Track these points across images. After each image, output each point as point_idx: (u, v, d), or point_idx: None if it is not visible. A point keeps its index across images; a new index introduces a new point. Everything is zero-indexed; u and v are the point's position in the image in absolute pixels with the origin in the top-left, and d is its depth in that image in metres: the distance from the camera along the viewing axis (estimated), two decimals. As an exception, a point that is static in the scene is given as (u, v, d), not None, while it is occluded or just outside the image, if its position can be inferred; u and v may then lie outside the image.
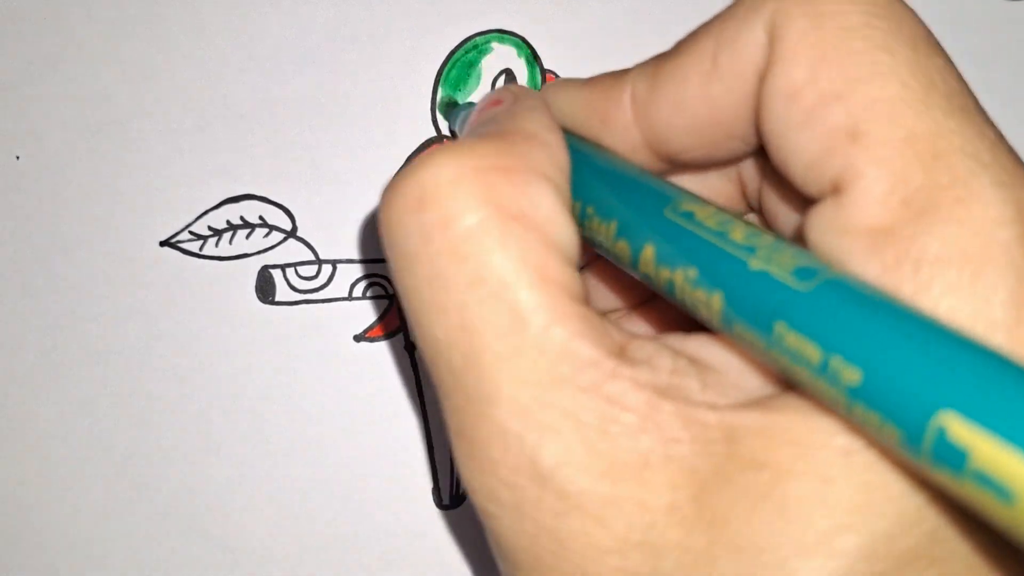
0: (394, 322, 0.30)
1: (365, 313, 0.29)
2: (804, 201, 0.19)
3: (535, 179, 0.19)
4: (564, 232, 0.19)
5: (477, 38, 0.29)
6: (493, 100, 0.23)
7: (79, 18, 0.28)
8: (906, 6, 0.19)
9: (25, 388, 0.29)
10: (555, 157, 0.20)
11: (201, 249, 0.29)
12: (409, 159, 0.29)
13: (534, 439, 0.17)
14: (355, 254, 0.29)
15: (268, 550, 0.29)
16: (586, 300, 0.19)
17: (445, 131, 0.29)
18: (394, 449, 0.29)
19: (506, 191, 0.18)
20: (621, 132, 0.21)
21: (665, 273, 0.19)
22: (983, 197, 0.16)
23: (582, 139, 0.22)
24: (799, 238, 0.19)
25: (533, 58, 0.29)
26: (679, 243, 0.19)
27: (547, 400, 0.17)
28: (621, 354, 0.18)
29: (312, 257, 0.29)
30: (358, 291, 0.29)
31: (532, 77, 0.29)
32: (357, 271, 0.29)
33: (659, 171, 0.22)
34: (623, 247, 0.20)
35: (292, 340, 0.29)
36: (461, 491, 0.29)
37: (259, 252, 0.29)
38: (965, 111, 0.17)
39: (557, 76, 0.29)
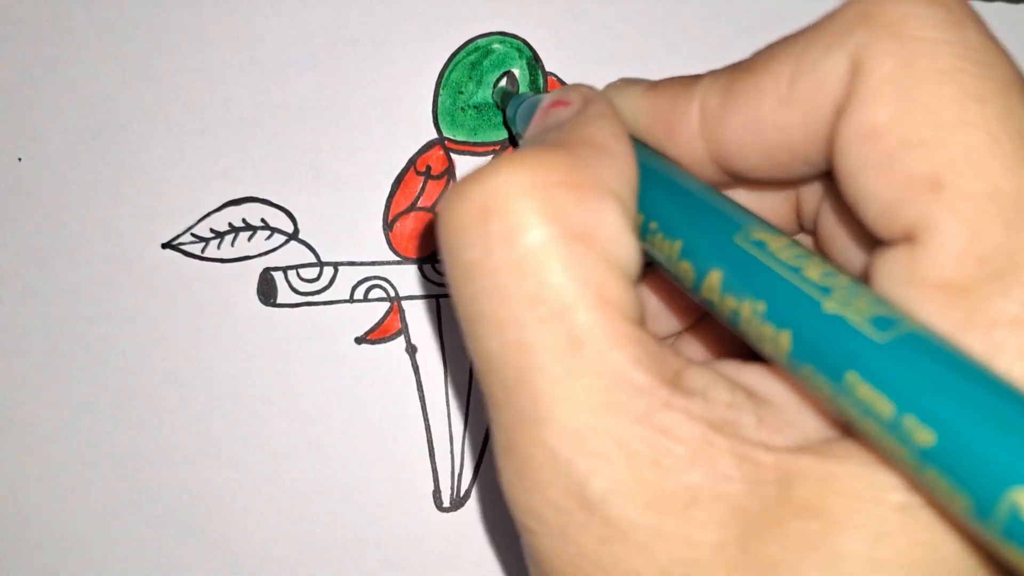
0: (395, 324, 0.30)
1: (366, 315, 0.29)
2: (870, 238, 0.18)
3: (602, 196, 0.18)
4: (627, 251, 0.18)
5: (479, 40, 0.29)
6: (560, 100, 0.22)
7: (81, 21, 0.28)
8: (1001, 50, 0.18)
9: (26, 390, 0.29)
10: (623, 170, 0.19)
11: (203, 251, 0.29)
12: (411, 161, 0.29)
13: (584, 465, 0.17)
14: (357, 256, 0.29)
15: (268, 552, 0.29)
16: (643, 321, 0.19)
17: (447, 133, 0.29)
18: (395, 452, 0.29)
19: (573, 209, 0.18)
20: (685, 143, 0.21)
21: (731, 302, 0.19)
22: None
23: (648, 147, 0.22)
24: (862, 276, 0.18)
25: (534, 60, 0.29)
26: (749, 273, 0.18)
27: (599, 427, 0.17)
28: (676, 382, 0.18)
29: (314, 259, 0.29)
30: (359, 293, 0.29)
31: (533, 80, 0.29)
32: (359, 273, 0.29)
33: (718, 183, 0.22)
34: (686, 268, 0.20)
35: (293, 342, 0.29)
36: (461, 494, 0.29)
37: (261, 254, 0.29)
38: None
39: (558, 79, 0.29)
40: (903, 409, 0.15)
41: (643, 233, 0.21)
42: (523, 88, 0.29)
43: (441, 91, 0.29)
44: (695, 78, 0.21)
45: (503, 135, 0.29)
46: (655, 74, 0.30)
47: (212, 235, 0.29)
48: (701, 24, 0.30)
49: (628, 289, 0.18)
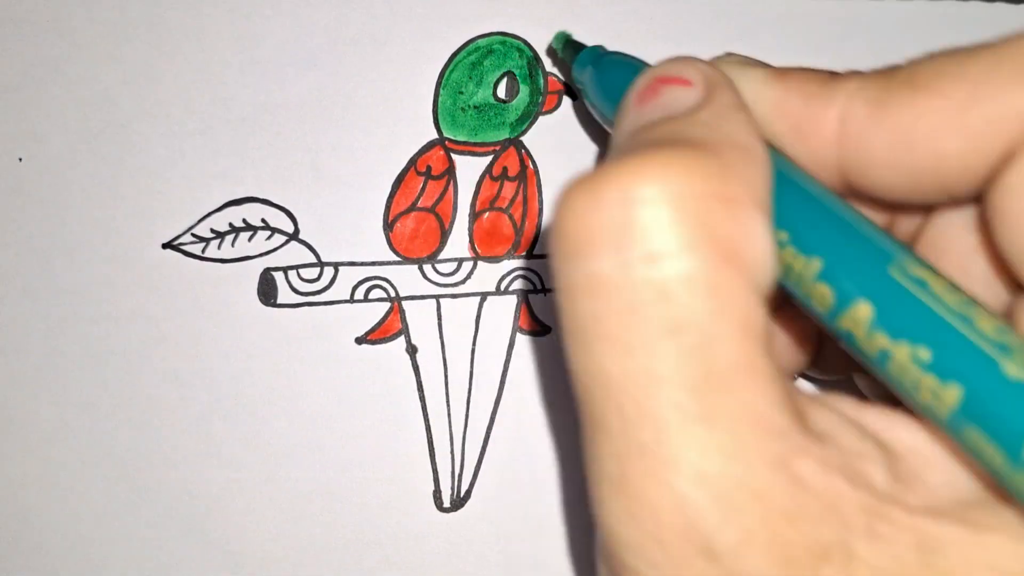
0: (395, 325, 0.29)
1: (367, 315, 0.29)
2: (1009, 276, 0.17)
3: (753, 211, 0.16)
4: (772, 272, 0.17)
5: (479, 40, 0.29)
6: (677, 77, 0.19)
7: (81, 21, 0.28)
8: None
9: (27, 390, 0.29)
10: (766, 176, 0.17)
11: (203, 251, 0.29)
12: (411, 161, 0.29)
13: (715, 515, 0.16)
14: (357, 256, 0.29)
15: (268, 553, 0.29)
16: (773, 349, 0.17)
17: (447, 134, 0.29)
18: (395, 452, 0.29)
19: (725, 226, 0.16)
20: (816, 149, 0.19)
21: (881, 342, 0.17)
22: None
23: (777, 147, 0.20)
24: (998, 308, 0.17)
25: (535, 60, 0.29)
26: (909, 313, 0.16)
27: (734, 473, 0.16)
28: (804, 423, 0.16)
29: (314, 259, 0.29)
30: (360, 294, 0.29)
31: (534, 80, 0.29)
32: (359, 273, 0.29)
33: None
34: (824, 293, 0.18)
35: (294, 342, 0.29)
36: (461, 495, 0.29)
37: (261, 254, 0.29)
38: None
39: (559, 79, 0.29)
40: None
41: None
42: (523, 88, 0.29)
43: (441, 91, 0.29)
44: (833, 77, 0.19)
45: (503, 135, 0.29)
46: (655, 74, 0.30)
47: (212, 235, 0.29)
48: (702, 24, 0.30)
49: (766, 317, 0.17)
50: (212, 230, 0.29)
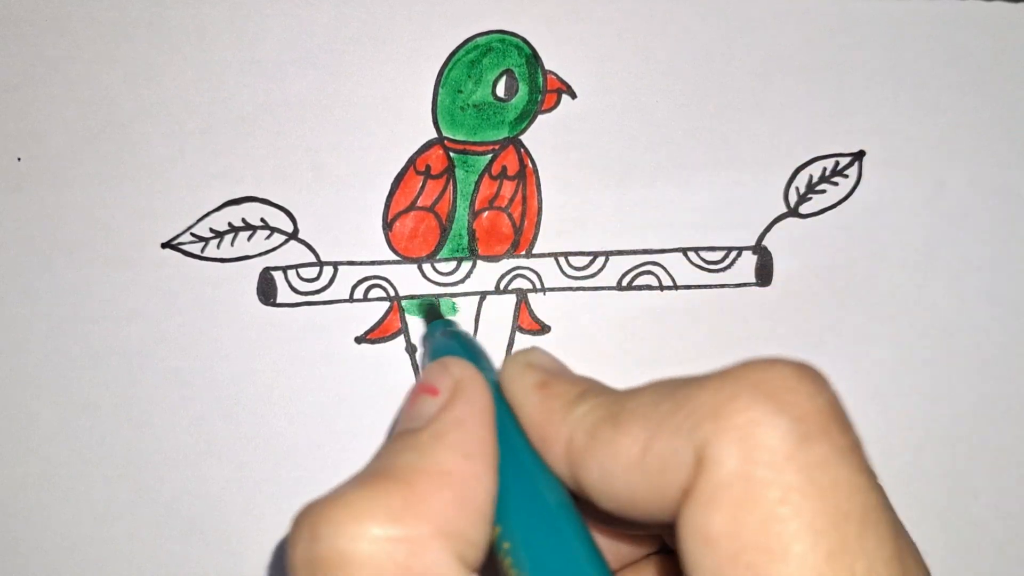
0: (395, 324, 0.29)
1: (366, 315, 0.29)
2: None
3: (435, 546, 0.18)
4: None
5: (479, 38, 0.29)
6: (430, 386, 0.22)
7: (81, 20, 0.28)
8: (852, 468, 0.18)
9: (27, 390, 0.29)
10: (468, 497, 0.19)
11: (203, 251, 0.29)
12: (410, 160, 0.29)
13: None
14: (356, 256, 0.29)
15: (268, 553, 0.29)
16: None
17: (446, 133, 0.29)
18: (395, 451, 0.29)
19: (402, 560, 0.18)
20: (554, 461, 0.21)
21: None
22: None
23: (527, 447, 0.22)
24: None
25: (534, 58, 0.29)
26: None
27: None
28: None
29: (313, 259, 0.29)
30: (359, 293, 0.29)
31: (533, 78, 0.29)
32: (358, 273, 0.29)
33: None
34: None
35: (293, 342, 0.29)
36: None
37: (261, 254, 0.29)
38: None
39: (558, 76, 0.29)
40: None
41: (497, 549, 0.20)
42: (522, 86, 0.29)
43: (440, 90, 0.29)
44: (576, 398, 0.21)
45: (502, 134, 0.29)
46: (656, 72, 0.30)
47: (212, 235, 0.29)
48: (701, 21, 0.30)
49: None
50: (212, 229, 0.29)
